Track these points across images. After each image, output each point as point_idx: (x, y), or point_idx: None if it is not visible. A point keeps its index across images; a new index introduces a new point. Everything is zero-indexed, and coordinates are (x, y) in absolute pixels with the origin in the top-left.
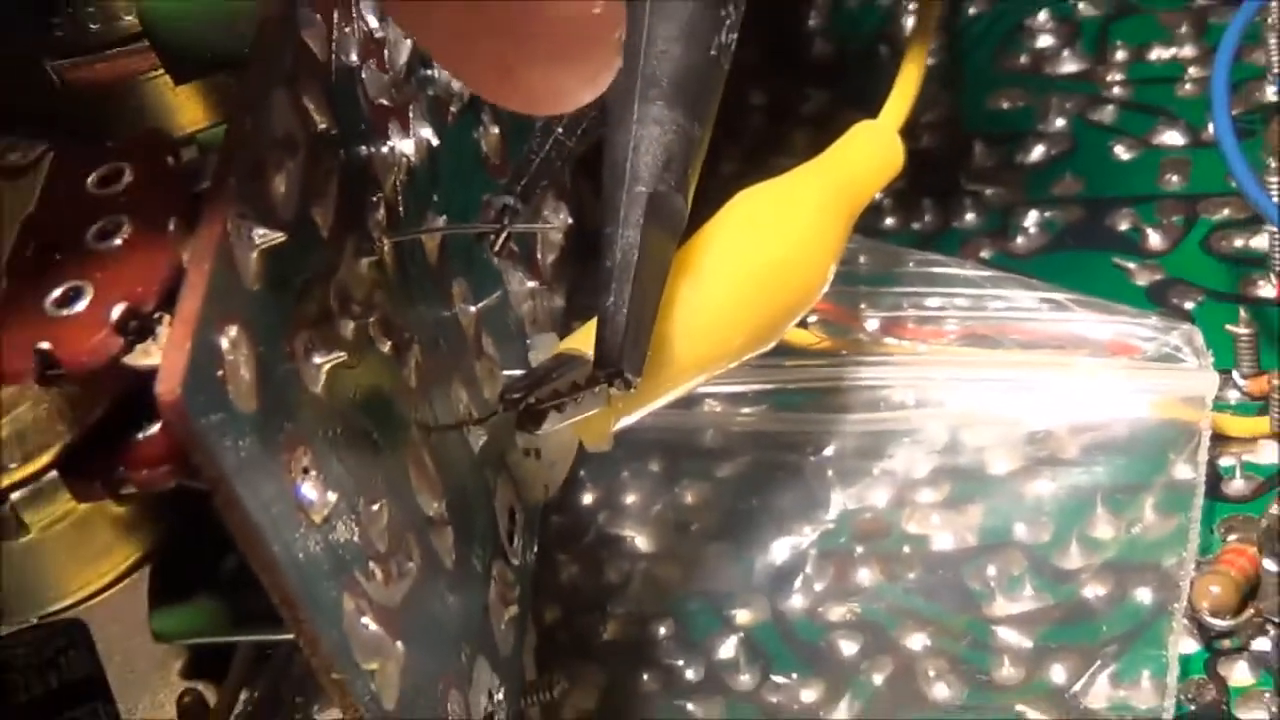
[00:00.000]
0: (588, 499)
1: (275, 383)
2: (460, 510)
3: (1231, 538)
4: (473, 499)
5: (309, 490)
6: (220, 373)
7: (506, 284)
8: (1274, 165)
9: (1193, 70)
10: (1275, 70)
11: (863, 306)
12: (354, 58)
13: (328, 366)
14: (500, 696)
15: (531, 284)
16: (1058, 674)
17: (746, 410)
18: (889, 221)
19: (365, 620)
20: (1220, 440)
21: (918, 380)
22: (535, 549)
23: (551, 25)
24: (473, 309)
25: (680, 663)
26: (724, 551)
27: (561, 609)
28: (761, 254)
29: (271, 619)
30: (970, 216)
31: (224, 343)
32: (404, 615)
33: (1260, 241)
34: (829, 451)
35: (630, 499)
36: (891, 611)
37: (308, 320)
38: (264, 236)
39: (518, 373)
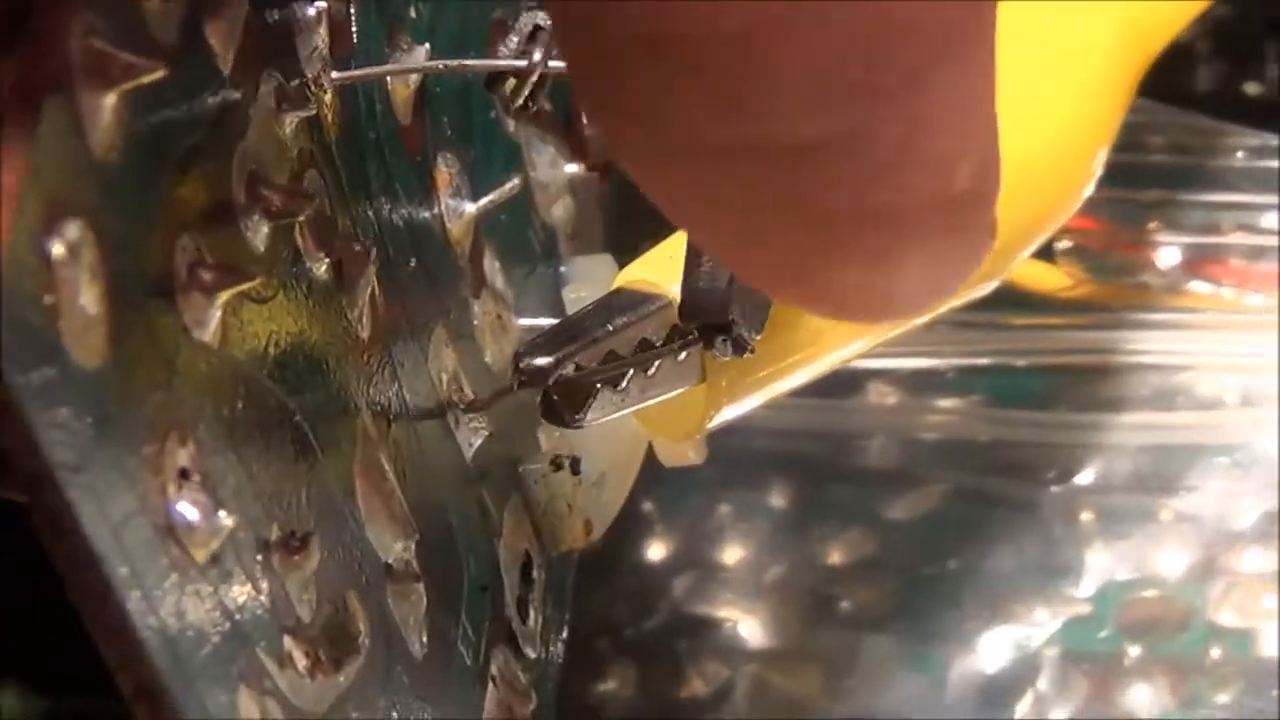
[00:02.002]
0: (659, 552)
1: (137, 322)
2: (440, 558)
3: None
4: (461, 540)
5: (188, 507)
6: (49, 300)
7: (529, 166)
8: None
9: None
10: None
11: (1153, 226)
12: None
13: (226, 299)
14: None
15: (572, 168)
16: None
17: (943, 404)
18: (1203, 78)
19: None
20: None
21: (1246, 359)
22: (566, 631)
23: (886, 214)
24: (470, 207)
25: None
26: (896, 651)
27: None
28: None
29: None
30: None
31: (56, 249)
32: None
33: None
34: (1085, 479)
35: (734, 555)
36: None
37: (194, 216)
38: (128, 70)
39: (544, 322)
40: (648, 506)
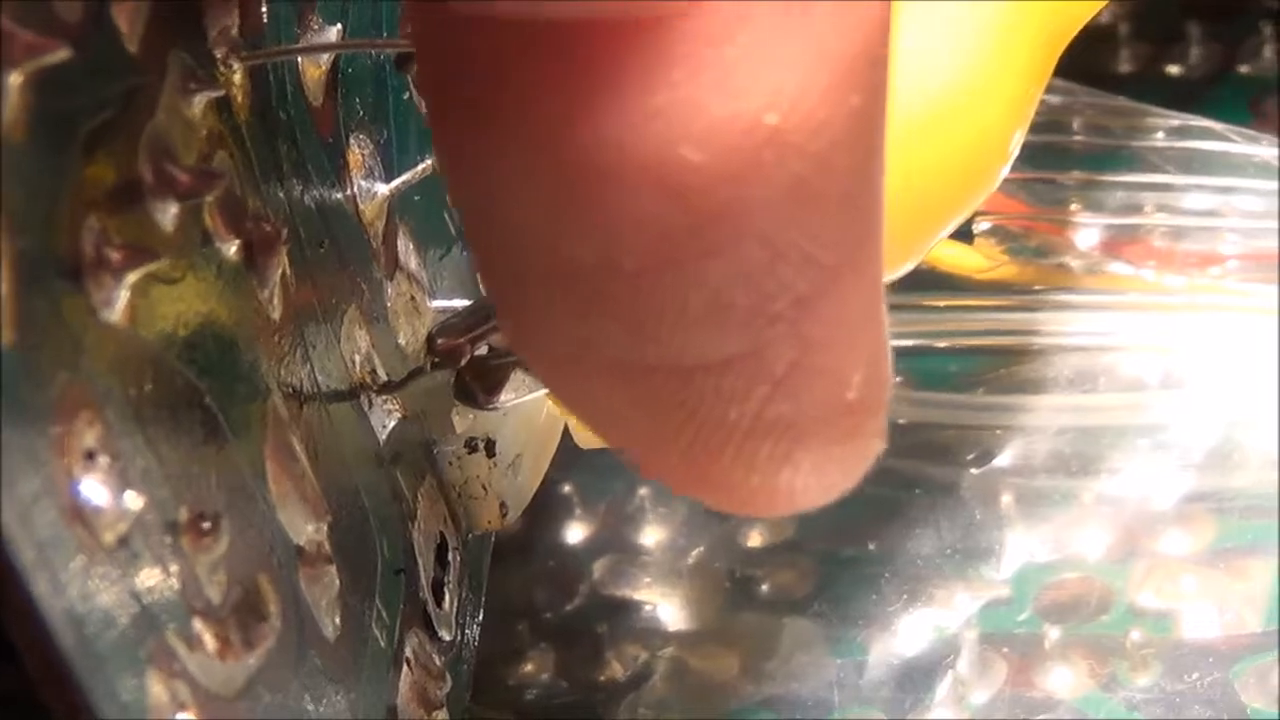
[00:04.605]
0: (578, 534)
1: (43, 302)
2: (353, 540)
3: None
4: (375, 522)
5: (95, 489)
6: None
7: None
8: None
9: None
10: None
11: (1074, 207)
12: None
13: (134, 279)
14: None
15: None
16: None
17: None
18: (1125, 60)
19: (183, 718)
20: None
21: (1166, 340)
22: (484, 614)
23: (781, 426)
24: (383, 189)
25: None
26: (815, 633)
27: None
28: (895, 100)
29: (25, 713)
30: (1269, 55)
31: None
32: (247, 712)
33: None
34: (1005, 461)
35: (653, 537)
36: None
37: (100, 196)
38: (31, 49)
39: (459, 303)
40: (567, 489)
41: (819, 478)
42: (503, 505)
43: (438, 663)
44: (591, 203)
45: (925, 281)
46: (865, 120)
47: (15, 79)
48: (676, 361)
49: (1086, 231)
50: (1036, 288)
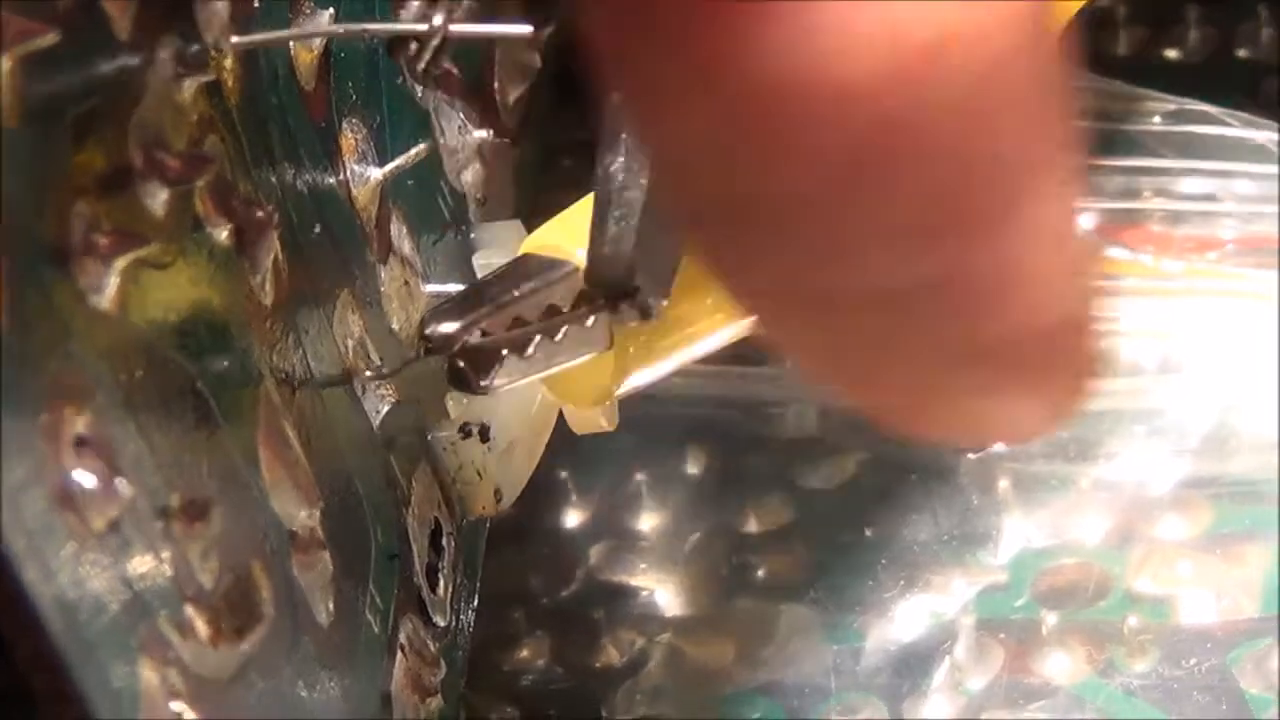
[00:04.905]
0: (574, 520)
1: (33, 288)
2: (346, 526)
3: None
4: (368, 508)
5: (85, 475)
6: None
7: (437, 132)
8: None
9: None
10: None
11: None
12: None
13: (124, 265)
14: None
15: (481, 133)
16: None
17: None
18: (1122, 43)
19: (175, 706)
20: None
21: (1164, 325)
22: (478, 599)
23: (992, 348)
24: (375, 173)
25: None
26: (811, 619)
27: (521, 709)
28: None
29: (15, 704)
30: (1268, 39)
31: None
32: (241, 699)
33: None
34: (1002, 446)
35: (650, 523)
36: None
37: (90, 182)
38: (21, 34)
39: (453, 288)
40: (563, 475)
41: (1032, 403)
42: (497, 491)
43: (432, 649)
44: (762, 128)
45: None
46: (1027, 26)
47: (6, 63)
48: (882, 287)
49: (1084, 216)
50: None
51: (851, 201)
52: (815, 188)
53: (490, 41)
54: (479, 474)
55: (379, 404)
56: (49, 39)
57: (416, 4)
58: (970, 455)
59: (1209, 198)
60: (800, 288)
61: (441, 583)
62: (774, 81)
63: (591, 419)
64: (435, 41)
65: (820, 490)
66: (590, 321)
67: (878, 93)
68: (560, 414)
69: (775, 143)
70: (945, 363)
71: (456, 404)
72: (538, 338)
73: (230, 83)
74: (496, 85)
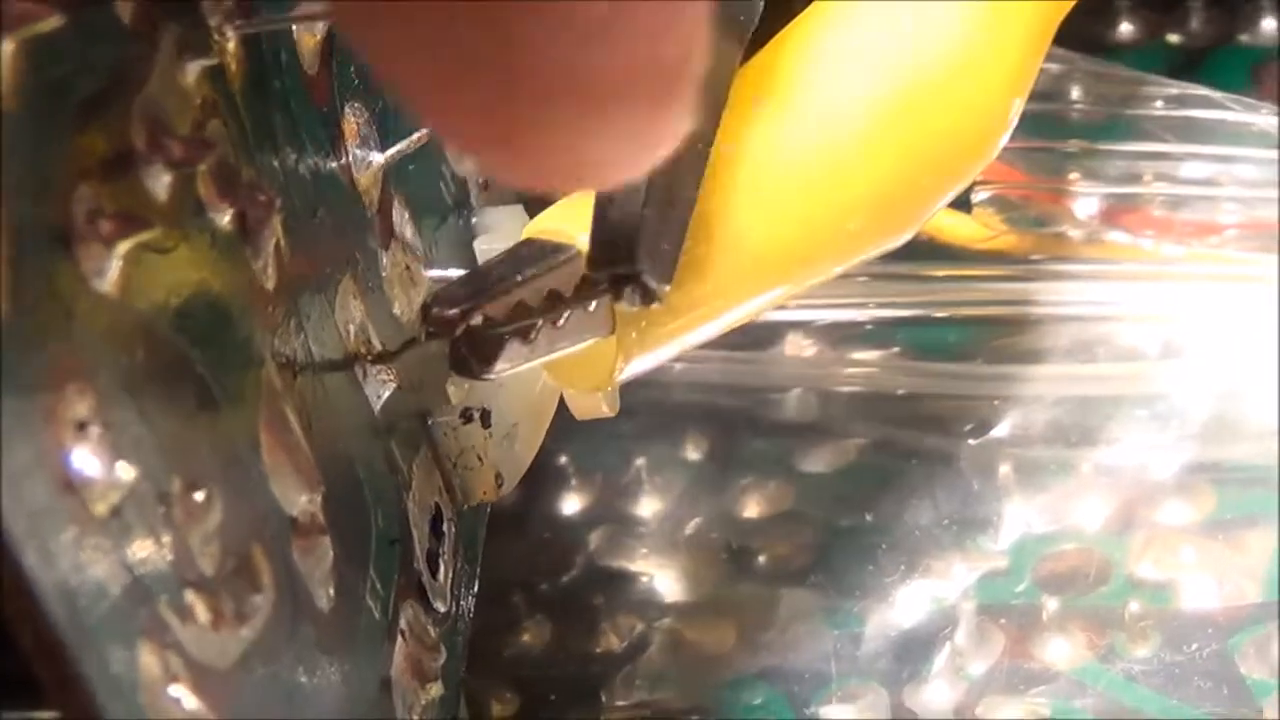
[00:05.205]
0: (574, 505)
1: (36, 271)
2: (347, 511)
3: None
4: (369, 493)
5: (86, 459)
6: None
7: None
8: None
9: None
10: None
11: (1073, 176)
12: None
13: (126, 248)
14: None
15: None
16: None
17: (861, 356)
18: (1125, 28)
19: (175, 691)
20: None
21: (1165, 310)
22: (479, 585)
23: (594, 78)
24: (378, 158)
25: None
26: (812, 604)
27: (522, 695)
28: (891, 71)
29: (16, 690)
30: (1269, 24)
31: None
32: (242, 685)
33: None
34: (1003, 431)
35: (650, 508)
36: (1108, 715)
37: (93, 165)
38: (23, 17)
39: (455, 273)
40: (563, 460)
41: (627, 142)
42: (498, 476)
43: (432, 634)
44: None
45: (924, 251)
46: None
47: (8, 46)
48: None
49: (1085, 200)
50: (1035, 257)
51: None
52: None
53: None
54: (480, 459)
55: (380, 389)
56: (52, 22)
57: None
58: (971, 441)
59: (1210, 182)
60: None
61: (442, 568)
62: None
63: (593, 404)
64: None
65: (821, 475)
66: (593, 306)
67: None
68: (561, 399)
69: None
70: (546, 86)
71: (458, 389)
72: (540, 323)
73: (233, 67)
74: None
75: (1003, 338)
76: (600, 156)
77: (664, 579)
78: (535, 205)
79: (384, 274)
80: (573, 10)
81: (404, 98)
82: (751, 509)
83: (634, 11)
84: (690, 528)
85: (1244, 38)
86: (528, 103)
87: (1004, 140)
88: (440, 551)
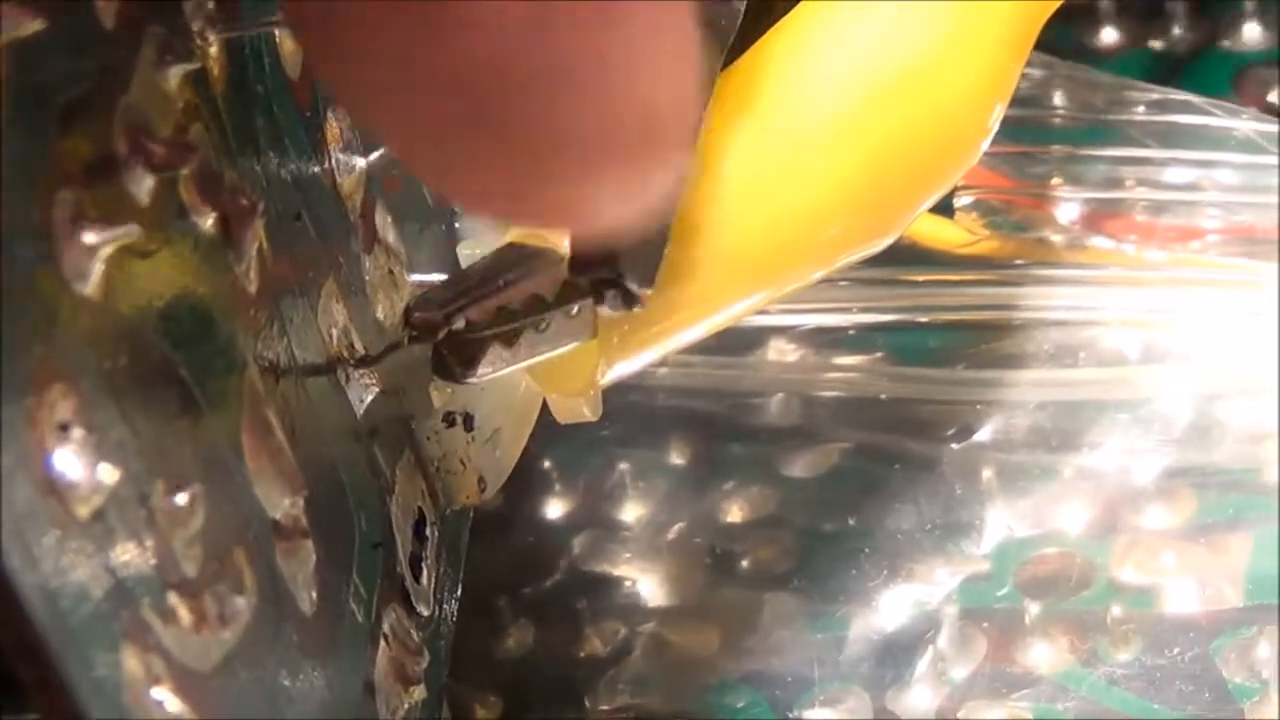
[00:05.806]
0: (557, 510)
1: (17, 274)
2: (330, 515)
3: None
4: (352, 497)
5: (70, 462)
6: None
7: None
8: None
9: None
10: None
11: (1055, 181)
12: None
13: (108, 251)
14: None
15: None
16: None
17: (844, 361)
18: (1107, 34)
19: (158, 693)
20: None
21: (1147, 315)
22: (462, 589)
23: (588, 137)
24: (360, 162)
25: None
26: (795, 609)
27: (505, 699)
28: (870, 74)
29: (6, 691)
30: (1250, 30)
31: None
32: (224, 687)
33: None
34: (985, 436)
35: (633, 513)
36: (1090, 718)
37: (76, 169)
38: (4, 21)
39: (438, 277)
40: (547, 464)
41: (621, 192)
42: (481, 480)
43: (415, 638)
44: None
45: (905, 256)
46: None
47: None
48: (480, 63)
49: (1067, 205)
50: (1017, 262)
51: None
52: None
53: None
54: (462, 463)
55: (363, 393)
56: (34, 26)
57: None
58: (954, 446)
59: (1192, 188)
60: (407, 57)
61: (425, 572)
62: None
63: (575, 408)
64: None
65: (803, 480)
66: (575, 311)
67: None
68: (544, 403)
69: None
70: (538, 146)
71: (440, 393)
72: (522, 327)
73: (216, 71)
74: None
75: (985, 343)
76: (597, 203)
77: (647, 583)
78: None
79: (367, 278)
80: (564, 76)
81: (389, 147)
82: (734, 513)
83: (618, 74)
84: (673, 532)
85: (1226, 44)
86: (529, 165)
87: (985, 145)
88: (423, 555)
